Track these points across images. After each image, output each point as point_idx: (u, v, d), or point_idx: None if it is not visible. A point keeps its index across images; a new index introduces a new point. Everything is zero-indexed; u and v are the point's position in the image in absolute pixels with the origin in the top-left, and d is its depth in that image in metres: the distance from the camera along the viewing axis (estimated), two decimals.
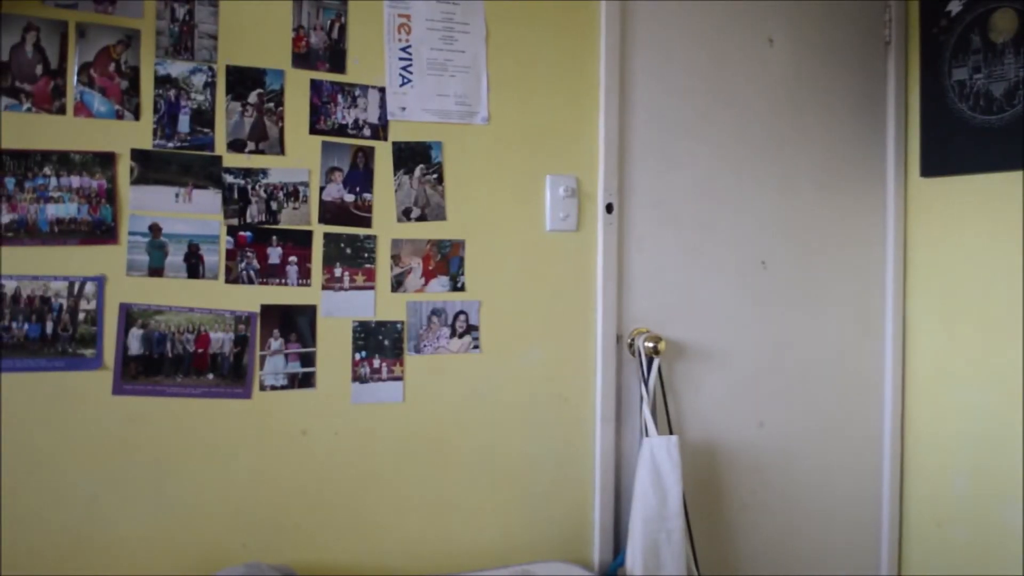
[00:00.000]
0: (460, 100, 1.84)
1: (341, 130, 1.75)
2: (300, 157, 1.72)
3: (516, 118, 1.89)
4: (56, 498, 1.56)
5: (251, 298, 1.68)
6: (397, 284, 1.80)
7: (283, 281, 1.71)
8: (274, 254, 1.70)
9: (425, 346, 1.82)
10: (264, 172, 1.69)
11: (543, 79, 1.92)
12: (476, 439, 1.87)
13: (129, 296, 1.60)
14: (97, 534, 1.58)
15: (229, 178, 1.66)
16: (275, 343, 1.70)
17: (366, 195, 1.77)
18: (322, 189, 1.73)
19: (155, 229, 1.61)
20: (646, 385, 1.96)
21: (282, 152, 1.70)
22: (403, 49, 1.79)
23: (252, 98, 1.68)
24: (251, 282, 1.68)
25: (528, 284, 1.91)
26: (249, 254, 1.68)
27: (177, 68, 1.62)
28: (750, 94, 2.16)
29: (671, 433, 2.01)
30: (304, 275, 1.72)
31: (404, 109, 1.79)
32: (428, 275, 1.82)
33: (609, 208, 1.97)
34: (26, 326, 1.54)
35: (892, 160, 2.34)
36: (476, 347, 1.87)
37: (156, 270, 1.62)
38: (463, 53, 1.84)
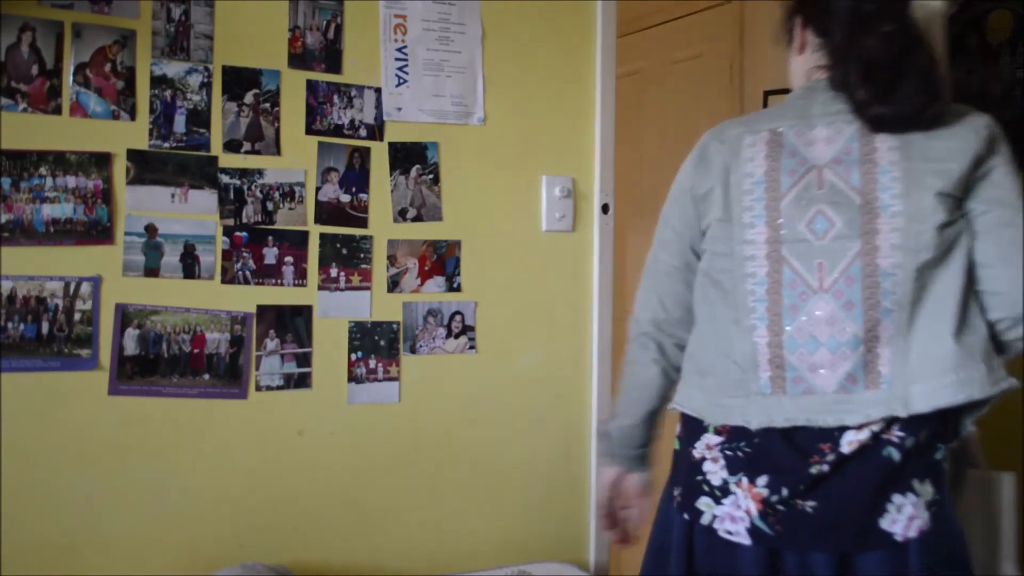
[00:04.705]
0: (456, 100, 1.84)
1: (337, 130, 1.75)
2: (296, 157, 1.72)
3: (512, 119, 1.89)
4: (52, 498, 1.56)
5: (247, 298, 1.68)
6: (393, 284, 1.80)
7: (279, 281, 1.71)
8: (270, 254, 1.70)
9: (421, 347, 1.82)
10: (260, 172, 1.69)
11: (539, 79, 1.92)
12: (472, 439, 1.87)
13: (125, 296, 1.60)
14: (93, 534, 1.58)
15: (225, 178, 1.66)
16: (271, 343, 1.70)
17: (362, 195, 1.77)
18: (318, 189, 1.73)
19: (151, 229, 1.62)
20: None
21: (278, 152, 1.70)
22: (399, 50, 1.79)
23: (248, 98, 1.68)
24: (247, 282, 1.68)
25: (524, 285, 1.91)
26: (245, 254, 1.68)
27: (173, 68, 1.63)
28: None
29: None
30: (300, 275, 1.72)
31: (400, 109, 1.79)
32: (424, 275, 1.82)
33: (605, 208, 1.98)
34: (22, 326, 1.54)
35: None
36: (472, 348, 1.87)
37: (152, 270, 1.62)
38: (459, 54, 1.84)
